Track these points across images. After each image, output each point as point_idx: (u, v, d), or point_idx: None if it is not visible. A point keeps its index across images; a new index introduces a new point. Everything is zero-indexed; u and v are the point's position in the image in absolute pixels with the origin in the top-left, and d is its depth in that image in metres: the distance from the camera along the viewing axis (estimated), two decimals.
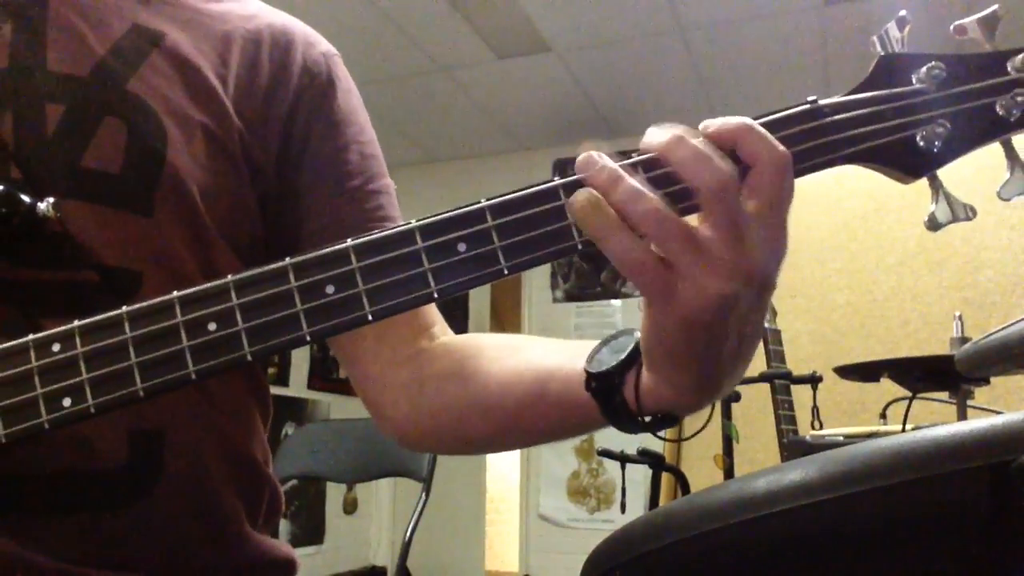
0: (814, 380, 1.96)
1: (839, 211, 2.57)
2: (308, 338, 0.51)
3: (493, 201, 0.50)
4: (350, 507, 4.79)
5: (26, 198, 0.62)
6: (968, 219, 0.53)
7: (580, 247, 0.49)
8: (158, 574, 0.67)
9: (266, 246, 0.75)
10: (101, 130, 0.67)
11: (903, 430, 1.39)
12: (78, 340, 0.53)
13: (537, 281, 4.72)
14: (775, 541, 0.46)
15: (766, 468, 0.47)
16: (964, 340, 1.57)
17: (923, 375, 1.55)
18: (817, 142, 0.50)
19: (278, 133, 0.75)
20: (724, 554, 0.47)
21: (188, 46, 0.73)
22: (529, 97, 4.27)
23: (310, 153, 0.76)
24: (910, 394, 1.57)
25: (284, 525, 4.21)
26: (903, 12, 0.53)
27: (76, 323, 0.53)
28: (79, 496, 0.64)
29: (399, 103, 4.30)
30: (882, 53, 0.53)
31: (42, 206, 0.62)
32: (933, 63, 0.52)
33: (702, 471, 2.48)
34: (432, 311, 0.76)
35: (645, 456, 2.15)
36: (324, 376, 4.65)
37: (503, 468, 5.90)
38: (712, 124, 0.48)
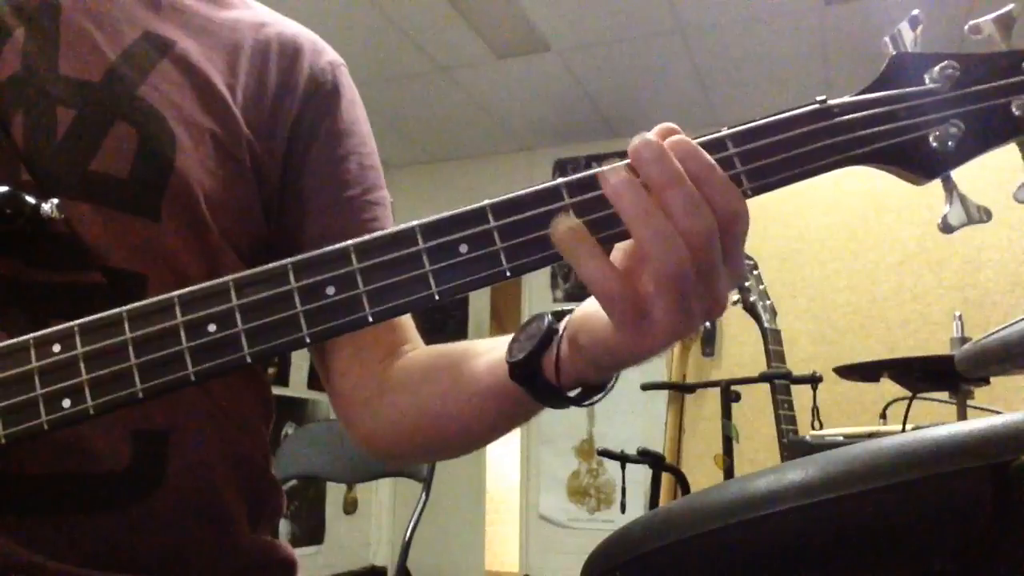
0: (814, 380, 1.96)
1: (839, 211, 2.57)
2: (308, 340, 0.50)
3: (495, 201, 0.49)
4: (350, 507, 4.79)
5: (31, 199, 0.62)
6: (983, 221, 0.52)
7: None
8: (159, 575, 0.67)
9: (269, 251, 0.75)
10: (111, 135, 0.67)
11: (903, 430, 1.39)
12: (78, 339, 0.53)
13: (537, 281, 4.71)
14: (775, 541, 0.46)
15: (766, 468, 0.47)
16: (964, 340, 1.57)
17: (923, 375, 1.54)
18: (827, 142, 0.50)
19: (284, 140, 0.76)
20: (724, 554, 0.47)
21: (198, 54, 0.74)
22: (529, 97, 4.27)
23: (311, 160, 0.76)
24: (910, 394, 1.57)
25: (284, 525, 4.20)
26: (916, 11, 0.52)
27: (75, 321, 0.53)
28: (81, 497, 0.64)
29: (399, 103, 4.30)
30: (894, 52, 0.52)
31: (46, 207, 0.62)
32: (946, 62, 0.51)
33: (702, 471, 2.49)
34: (408, 329, 0.77)
35: (645, 456, 2.15)
36: None
37: (503, 468, 5.88)
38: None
